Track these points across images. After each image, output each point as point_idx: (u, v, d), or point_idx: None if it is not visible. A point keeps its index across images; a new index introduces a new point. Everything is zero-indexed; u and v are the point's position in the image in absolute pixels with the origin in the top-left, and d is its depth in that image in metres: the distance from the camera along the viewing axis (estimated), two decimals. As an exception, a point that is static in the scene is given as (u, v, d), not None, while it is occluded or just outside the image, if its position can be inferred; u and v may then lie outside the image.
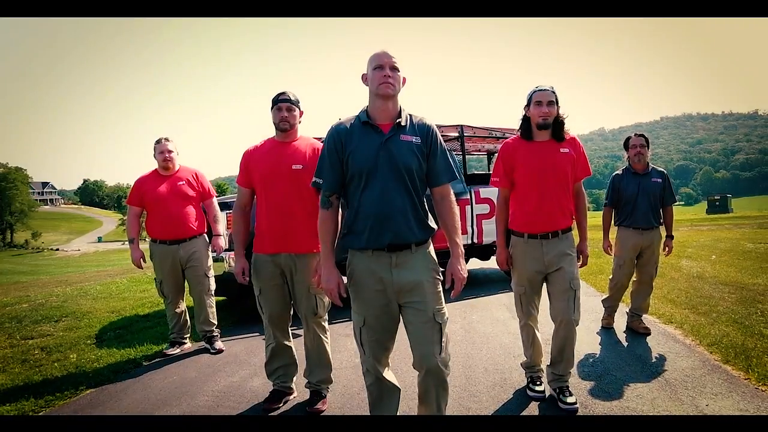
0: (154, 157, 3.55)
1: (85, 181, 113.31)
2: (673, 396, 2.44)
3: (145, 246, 3.67)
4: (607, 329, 3.71)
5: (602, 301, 3.86)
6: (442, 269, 1.83)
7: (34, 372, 3.26)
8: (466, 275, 1.81)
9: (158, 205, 3.46)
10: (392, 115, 1.81)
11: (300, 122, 2.51)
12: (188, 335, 3.76)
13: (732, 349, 3.02)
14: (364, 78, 1.82)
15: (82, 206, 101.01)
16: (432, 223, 1.85)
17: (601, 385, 2.64)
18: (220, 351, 3.58)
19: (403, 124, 1.80)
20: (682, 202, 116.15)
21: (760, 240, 9.31)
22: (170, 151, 3.52)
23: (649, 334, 3.48)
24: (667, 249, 3.60)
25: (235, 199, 2.62)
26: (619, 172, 3.67)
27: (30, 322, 5.01)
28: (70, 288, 8.55)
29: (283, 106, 2.42)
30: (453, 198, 1.89)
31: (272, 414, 2.47)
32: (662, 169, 3.63)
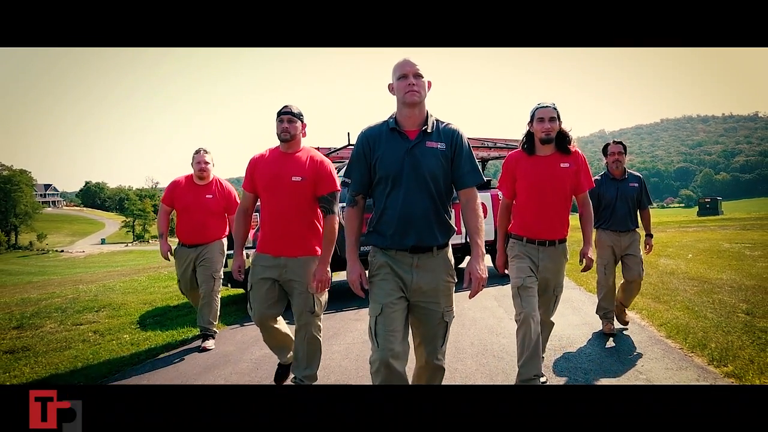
0: (192, 165, 3.80)
1: (86, 183, 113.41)
2: (617, 359, 3.11)
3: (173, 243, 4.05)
4: (609, 335, 3.64)
5: (596, 311, 3.86)
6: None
7: (97, 348, 3.90)
8: (485, 276, 1.82)
9: (185, 214, 3.76)
10: (419, 122, 1.88)
11: (304, 135, 2.68)
12: (216, 322, 3.95)
13: (676, 327, 3.66)
14: (391, 88, 1.90)
15: (84, 208, 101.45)
16: (453, 227, 1.95)
17: (563, 352, 3.28)
18: (205, 350, 3.72)
19: (429, 130, 1.87)
20: (682, 204, 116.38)
21: (737, 240, 9.94)
22: (206, 163, 3.75)
23: (627, 324, 3.82)
24: (648, 247, 3.79)
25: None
26: (598, 177, 3.80)
27: (73, 312, 5.62)
28: (93, 285, 9.13)
29: (285, 117, 2.58)
30: (478, 201, 1.94)
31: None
32: (638, 174, 3.82)
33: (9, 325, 5.01)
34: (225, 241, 3.93)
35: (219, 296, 3.87)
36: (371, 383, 1.85)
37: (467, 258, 1.93)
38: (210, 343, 3.81)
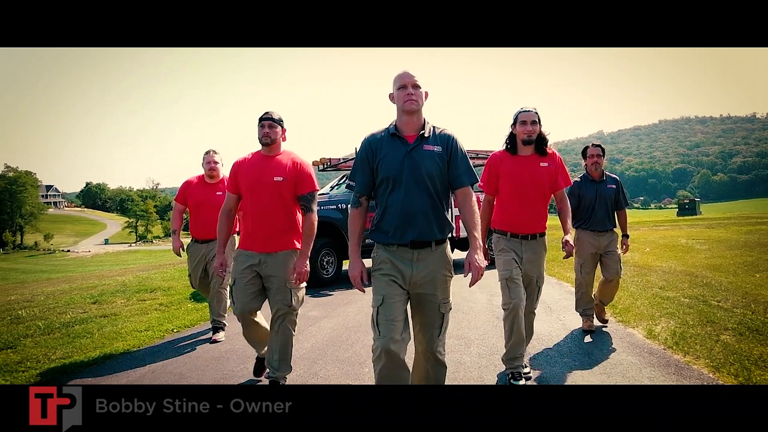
0: (202, 165, 4.06)
1: (87, 184, 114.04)
2: (553, 318, 4.41)
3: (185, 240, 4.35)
4: (588, 332, 3.85)
5: (576, 309, 4.04)
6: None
7: (170, 313, 5.16)
8: (484, 265, 1.95)
9: (197, 210, 4.01)
10: (417, 127, 2.03)
11: (284, 139, 2.83)
12: (226, 314, 4.21)
13: (601, 297, 4.93)
14: (391, 97, 2.06)
15: (85, 209, 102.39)
16: (451, 224, 2.09)
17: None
18: (215, 342, 3.96)
19: (426, 135, 2.02)
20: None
21: (695, 237, 11.21)
22: (216, 162, 4.01)
23: (606, 323, 4.07)
24: (624, 247, 3.94)
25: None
26: (577, 179, 3.98)
27: (131, 293, 6.80)
28: (128, 276, 10.06)
29: (266, 123, 2.72)
30: (474, 199, 2.07)
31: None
32: (615, 176, 4.00)
33: (87, 301, 6.25)
34: (236, 237, 4.01)
35: (228, 290, 3.95)
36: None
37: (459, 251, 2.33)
38: (220, 336, 4.04)
